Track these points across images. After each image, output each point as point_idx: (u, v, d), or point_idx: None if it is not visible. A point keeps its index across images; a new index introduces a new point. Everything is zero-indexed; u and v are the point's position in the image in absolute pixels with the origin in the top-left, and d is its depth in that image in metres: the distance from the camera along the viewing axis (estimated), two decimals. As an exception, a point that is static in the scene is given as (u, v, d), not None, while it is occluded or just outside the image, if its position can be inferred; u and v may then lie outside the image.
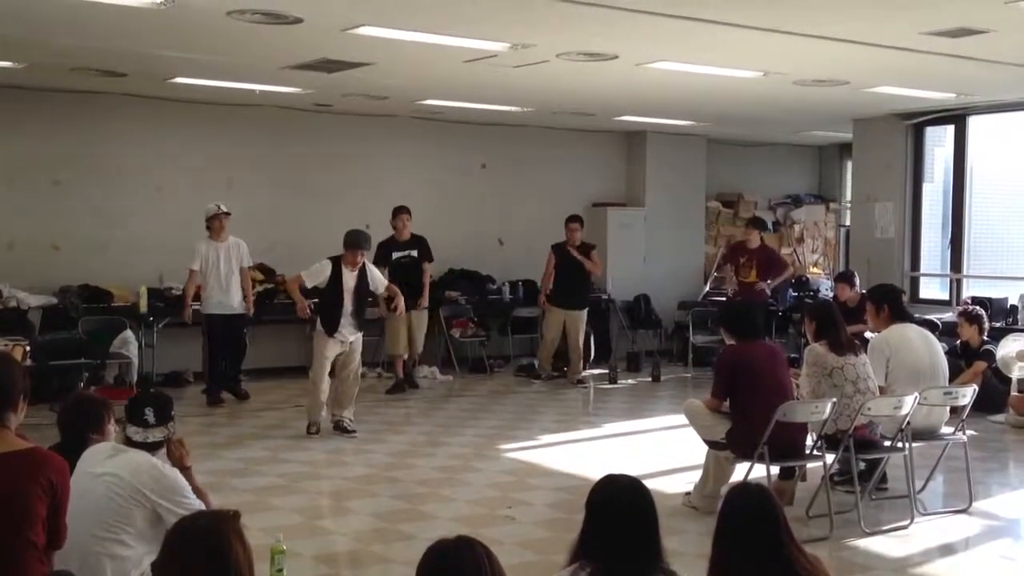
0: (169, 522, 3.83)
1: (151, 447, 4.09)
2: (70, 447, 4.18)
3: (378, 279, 8.77)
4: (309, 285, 8.63)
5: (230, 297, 10.09)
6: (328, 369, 8.57)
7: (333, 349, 8.53)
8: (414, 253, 10.98)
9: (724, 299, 12.30)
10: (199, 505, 4.02)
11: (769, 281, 11.81)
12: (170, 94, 10.86)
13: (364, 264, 8.64)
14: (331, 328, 8.48)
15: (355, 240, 8.58)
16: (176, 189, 11.43)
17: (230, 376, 10.36)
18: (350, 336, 8.58)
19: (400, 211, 10.96)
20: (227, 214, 10.04)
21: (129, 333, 9.97)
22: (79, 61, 9.10)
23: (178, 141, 11.49)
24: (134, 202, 11.25)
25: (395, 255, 10.84)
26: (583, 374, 11.74)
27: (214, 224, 9.99)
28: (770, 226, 15.60)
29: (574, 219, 11.73)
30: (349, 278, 8.50)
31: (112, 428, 4.38)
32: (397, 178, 12.58)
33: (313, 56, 8.64)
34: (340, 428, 8.61)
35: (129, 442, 4.07)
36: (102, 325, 9.98)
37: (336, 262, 8.54)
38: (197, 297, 10.17)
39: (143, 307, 10.52)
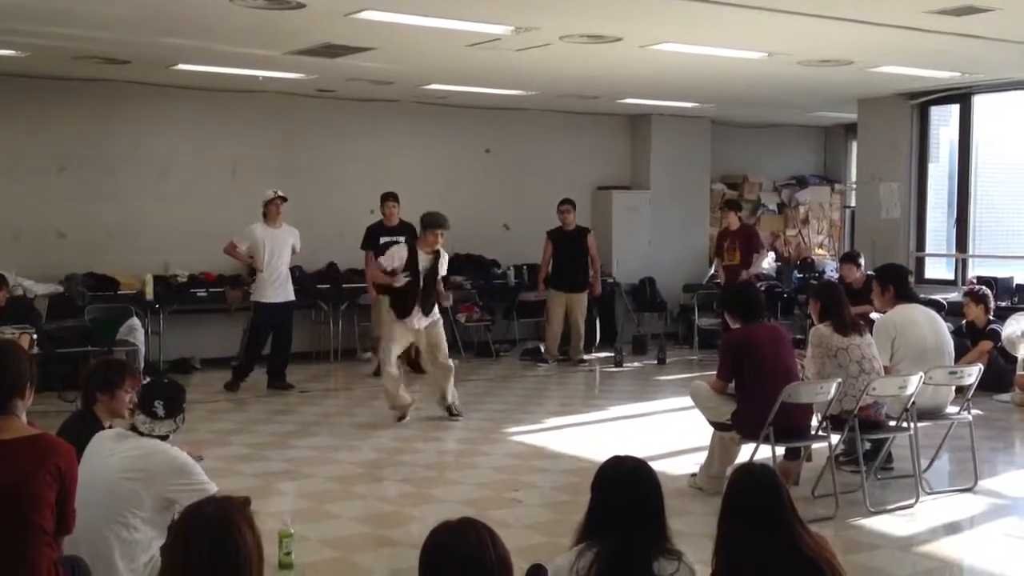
0: (183, 504, 3.86)
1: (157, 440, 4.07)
2: (85, 408, 4.52)
3: (445, 265, 8.57)
4: (389, 268, 8.36)
5: (285, 285, 10.06)
6: (396, 355, 8.42)
7: (403, 336, 8.38)
8: (401, 239, 10.91)
9: (718, 283, 12.30)
10: (211, 485, 4.03)
11: (748, 270, 11.66)
12: (173, 81, 10.85)
13: (439, 247, 8.46)
14: (403, 311, 8.32)
15: (437, 220, 8.36)
16: (180, 176, 11.44)
17: (279, 367, 10.25)
18: (420, 323, 8.39)
19: (387, 197, 10.83)
20: (284, 199, 9.95)
21: (135, 320, 9.97)
22: (82, 49, 9.10)
23: (181, 128, 11.49)
24: (139, 189, 11.26)
25: (382, 240, 10.72)
26: (584, 355, 11.88)
27: (270, 209, 9.89)
28: (775, 208, 15.61)
29: (566, 202, 11.83)
30: (424, 260, 8.33)
31: (125, 396, 4.41)
32: (401, 163, 12.57)
33: (316, 41, 8.63)
34: (450, 412, 8.61)
35: (135, 430, 4.08)
36: (108, 313, 9.99)
37: (412, 245, 8.40)
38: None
39: (149, 294, 10.55)
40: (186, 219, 11.05)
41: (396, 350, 8.48)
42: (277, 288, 9.98)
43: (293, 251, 10.11)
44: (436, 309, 8.51)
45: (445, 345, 8.64)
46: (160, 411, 4.05)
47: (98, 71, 10.21)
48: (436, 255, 8.44)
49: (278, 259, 9.93)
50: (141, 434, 4.05)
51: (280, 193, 9.95)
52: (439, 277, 8.48)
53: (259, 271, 9.90)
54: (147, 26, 8.08)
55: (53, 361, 9.14)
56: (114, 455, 3.97)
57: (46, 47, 8.99)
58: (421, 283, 8.31)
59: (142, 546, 3.94)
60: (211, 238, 10.42)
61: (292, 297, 10.18)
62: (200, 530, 2.56)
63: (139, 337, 9.94)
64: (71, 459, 3.49)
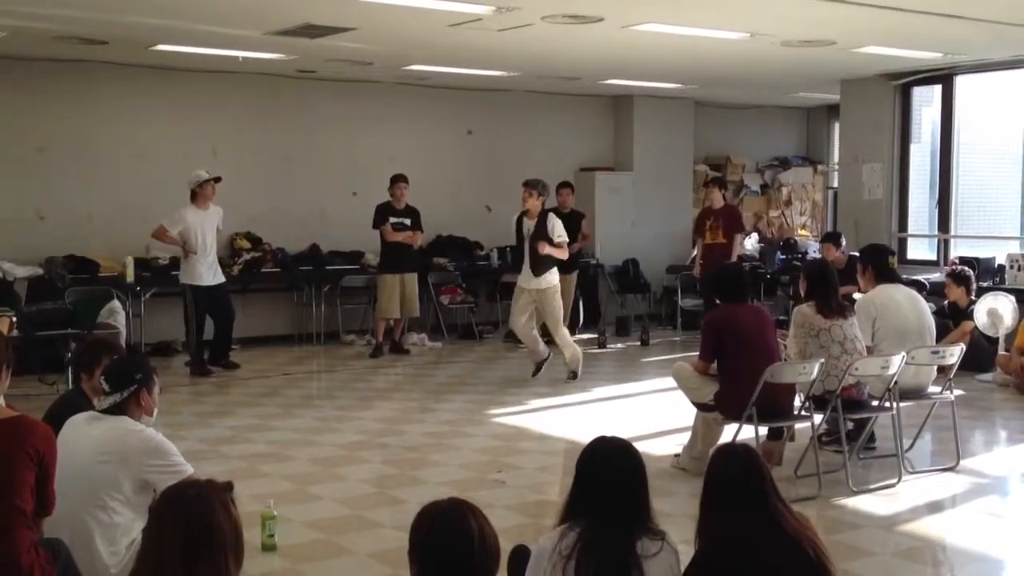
0: (159, 485, 3.83)
1: (108, 413, 4.00)
2: (75, 387, 4.62)
3: (558, 228, 9.26)
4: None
5: (216, 267, 10.10)
6: (522, 313, 9.30)
7: (518, 294, 9.31)
8: (407, 222, 11.00)
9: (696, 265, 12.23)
10: (188, 466, 3.99)
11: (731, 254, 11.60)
12: (153, 61, 10.75)
13: (546, 212, 9.30)
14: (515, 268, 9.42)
15: (528, 181, 9.38)
16: (160, 157, 11.33)
17: (223, 347, 10.30)
18: (526, 283, 9.25)
19: (398, 179, 11.04)
20: (218, 179, 9.98)
21: (116, 303, 9.92)
22: (61, 29, 8.99)
23: (161, 109, 11.39)
24: (118, 171, 11.17)
25: (391, 220, 10.94)
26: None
27: (205, 191, 9.90)
28: (758, 189, 15.62)
29: (565, 185, 11.95)
30: (528, 225, 9.29)
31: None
32: (383, 145, 12.51)
33: (295, 21, 8.55)
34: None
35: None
36: (89, 295, 9.95)
37: (521, 213, 9.41)
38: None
39: (130, 276, 10.48)
40: (167, 201, 10.94)
41: (518, 309, 9.35)
42: (210, 270, 10.03)
43: (217, 230, 10.15)
44: (549, 276, 9.23)
45: (554, 320, 9.38)
46: (106, 386, 4.01)
47: (77, 52, 10.10)
48: (542, 219, 9.23)
49: (209, 241, 9.97)
50: (101, 413, 4.01)
51: (212, 175, 9.97)
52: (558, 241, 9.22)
53: (192, 254, 9.88)
54: (126, 6, 8.00)
55: (33, 344, 9.07)
56: (87, 438, 3.92)
57: (25, 28, 8.89)
58: (528, 247, 9.24)
59: (123, 529, 3.90)
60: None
61: (223, 279, 10.23)
62: (175, 512, 2.55)
63: (120, 320, 9.87)
64: (50, 440, 3.46)
